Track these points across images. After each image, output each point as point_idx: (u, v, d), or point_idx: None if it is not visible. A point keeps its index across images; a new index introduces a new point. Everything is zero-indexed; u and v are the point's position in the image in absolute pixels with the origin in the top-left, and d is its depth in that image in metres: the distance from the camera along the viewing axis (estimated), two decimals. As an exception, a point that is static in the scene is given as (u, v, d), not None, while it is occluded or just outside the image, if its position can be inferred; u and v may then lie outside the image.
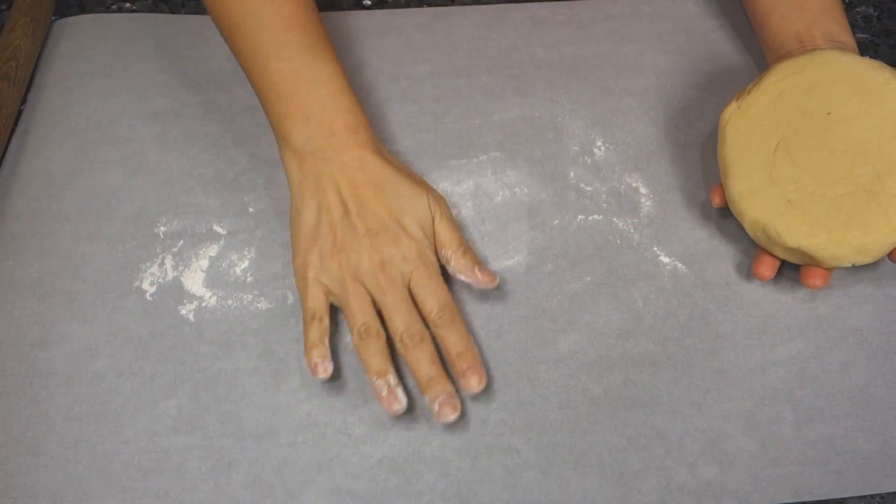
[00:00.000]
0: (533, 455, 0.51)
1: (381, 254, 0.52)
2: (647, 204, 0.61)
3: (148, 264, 0.57)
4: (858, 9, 0.72)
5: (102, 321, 0.55)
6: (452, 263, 0.55)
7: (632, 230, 0.59)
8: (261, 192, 0.61)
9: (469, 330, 0.54)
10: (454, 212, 0.60)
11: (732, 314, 0.56)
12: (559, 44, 0.68)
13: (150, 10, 0.71)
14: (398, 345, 0.52)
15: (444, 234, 0.55)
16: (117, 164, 0.62)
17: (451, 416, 0.50)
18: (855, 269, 0.57)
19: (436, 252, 0.55)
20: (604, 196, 0.61)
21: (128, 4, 0.72)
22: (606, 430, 0.52)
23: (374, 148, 0.55)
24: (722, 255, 0.58)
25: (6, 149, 0.63)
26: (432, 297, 0.52)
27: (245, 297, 0.56)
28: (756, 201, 0.54)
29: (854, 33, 0.69)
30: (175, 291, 0.56)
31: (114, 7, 0.72)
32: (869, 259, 0.53)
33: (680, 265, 0.58)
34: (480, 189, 0.61)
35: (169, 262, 0.58)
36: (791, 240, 0.53)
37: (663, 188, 0.61)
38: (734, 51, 0.68)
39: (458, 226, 0.56)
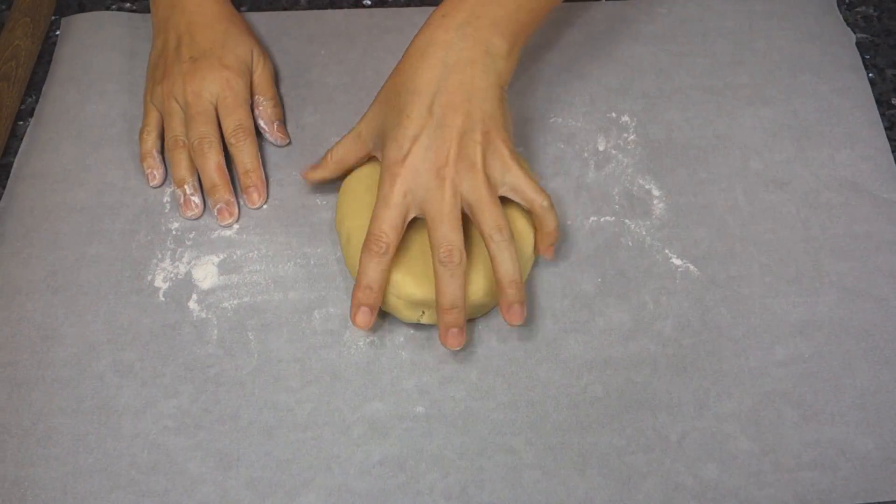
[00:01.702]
0: (534, 455, 0.51)
1: (193, 76, 0.59)
2: (659, 206, 0.61)
3: (160, 259, 0.58)
4: (858, 9, 0.72)
5: (113, 316, 0.56)
6: (260, 109, 0.62)
7: (644, 232, 0.59)
8: (273, 189, 0.61)
9: (473, 330, 0.54)
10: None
11: (734, 314, 0.56)
12: (559, 43, 0.68)
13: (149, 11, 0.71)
14: (191, 151, 0.59)
15: (263, 83, 0.63)
16: (129, 161, 0.62)
17: (228, 220, 0.59)
18: (852, 268, 0.57)
19: (250, 91, 0.62)
20: (616, 198, 0.61)
21: (128, 4, 0.72)
22: (608, 430, 0.52)
23: None
24: (735, 257, 0.58)
25: (6, 146, 0.64)
26: (231, 116, 0.59)
27: (257, 297, 0.57)
28: None
29: (854, 33, 0.69)
30: (186, 287, 0.57)
31: (114, 7, 0.72)
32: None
33: (692, 267, 0.58)
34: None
35: (180, 258, 0.58)
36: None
37: (676, 190, 0.61)
38: (737, 51, 0.68)
39: (277, 89, 0.64)
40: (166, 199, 0.61)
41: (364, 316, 0.51)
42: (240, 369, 0.54)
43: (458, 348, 0.51)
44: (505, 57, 0.53)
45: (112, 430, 0.52)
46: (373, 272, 0.50)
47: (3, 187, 0.61)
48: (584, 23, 0.70)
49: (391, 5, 0.72)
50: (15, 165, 0.62)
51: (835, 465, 0.51)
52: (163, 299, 0.56)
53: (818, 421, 0.52)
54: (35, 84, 0.67)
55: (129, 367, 0.54)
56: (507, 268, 0.50)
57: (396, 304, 0.53)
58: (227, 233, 0.59)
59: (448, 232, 0.49)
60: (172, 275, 0.57)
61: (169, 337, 0.55)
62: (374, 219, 0.51)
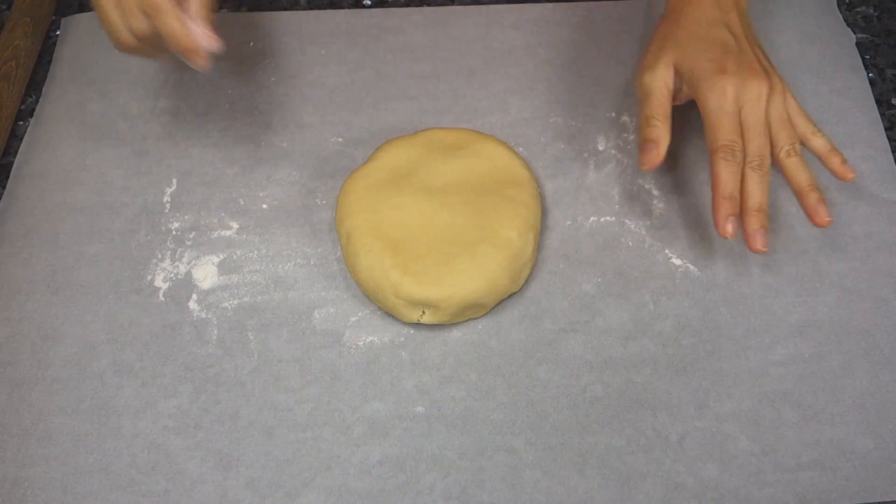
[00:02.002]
0: (534, 455, 0.51)
1: None
2: (659, 206, 0.60)
3: (160, 259, 0.58)
4: (858, 9, 0.72)
5: (113, 316, 0.56)
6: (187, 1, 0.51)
7: (644, 232, 0.59)
8: (273, 189, 0.61)
9: (473, 330, 0.54)
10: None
11: (734, 314, 0.56)
12: (559, 44, 0.68)
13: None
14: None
15: None
16: (129, 161, 0.62)
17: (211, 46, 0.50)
18: (852, 268, 0.57)
19: None
20: (616, 198, 0.61)
21: (127, 4, 0.72)
22: (607, 430, 0.52)
23: None
24: (735, 257, 0.58)
25: (6, 146, 0.64)
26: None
27: (256, 297, 0.57)
28: None
29: (854, 33, 0.69)
30: (186, 287, 0.57)
31: (113, 7, 0.72)
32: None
33: (692, 267, 0.58)
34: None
35: (180, 258, 0.58)
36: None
37: (676, 190, 0.61)
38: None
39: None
40: (166, 199, 0.61)
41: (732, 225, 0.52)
42: (240, 369, 0.54)
43: (765, 251, 0.52)
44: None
45: (112, 430, 0.52)
46: (732, 178, 0.52)
47: (3, 187, 0.62)
48: (584, 23, 0.70)
49: (391, 5, 0.72)
50: (15, 165, 0.62)
51: (835, 465, 0.51)
52: (163, 299, 0.56)
53: (818, 421, 0.52)
54: (35, 84, 0.67)
55: (128, 367, 0.54)
56: (806, 176, 0.53)
57: (396, 304, 0.53)
58: (227, 233, 0.59)
59: (764, 144, 0.53)
60: (172, 275, 0.57)
61: (169, 337, 0.55)
62: (716, 129, 0.53)
